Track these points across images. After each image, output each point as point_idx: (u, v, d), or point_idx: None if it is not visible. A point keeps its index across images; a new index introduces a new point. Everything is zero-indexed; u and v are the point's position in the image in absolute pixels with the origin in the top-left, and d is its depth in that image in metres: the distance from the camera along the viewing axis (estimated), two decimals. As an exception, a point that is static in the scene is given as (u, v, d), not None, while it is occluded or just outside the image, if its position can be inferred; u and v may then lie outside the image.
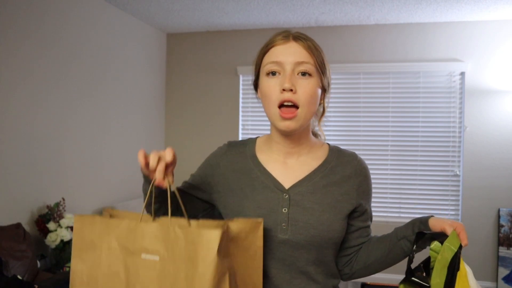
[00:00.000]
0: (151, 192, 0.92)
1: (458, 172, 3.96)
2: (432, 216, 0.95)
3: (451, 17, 3.78)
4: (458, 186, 3.96)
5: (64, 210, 2.88)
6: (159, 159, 0.84)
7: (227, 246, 0.82)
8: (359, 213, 1.02)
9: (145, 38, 4.16)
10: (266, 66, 0.94)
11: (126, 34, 3.82)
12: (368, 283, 3.86)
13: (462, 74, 3.91)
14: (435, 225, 0.92)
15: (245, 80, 4.31)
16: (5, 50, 2.56)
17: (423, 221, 0.95)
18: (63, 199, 2.90)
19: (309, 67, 0.92)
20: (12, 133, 2.63)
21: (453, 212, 3.98)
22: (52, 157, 2.95)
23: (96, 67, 3.40)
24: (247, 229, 0.86)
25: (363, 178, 1.01)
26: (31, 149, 2.77)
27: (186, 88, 4.52)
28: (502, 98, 3.81)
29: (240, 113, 4.36)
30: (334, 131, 4.17)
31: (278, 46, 0.94)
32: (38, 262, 2.56)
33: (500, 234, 3.79)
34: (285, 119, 0.92)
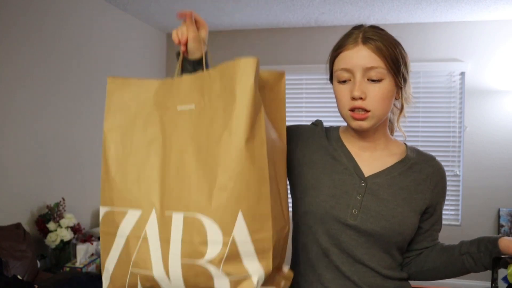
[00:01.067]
0: (182, 61, 0.94)
1: (458, 172, 3.96)
2: (502, 236, 0.92)
3: (451, 17, 3.78)
4: (458, 186, 3.96)
5: (64, 210, 2.88)
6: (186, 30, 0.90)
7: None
8: (429, 214, 1.01)
9: (145, 38, 4.16)
10: (337, 73, 0.94)
11: (126, 34, 3.82)
12: None
13: (462, 74, 3.91)
14: (508, 246, 0.87)
15: (245, 80, 4.30)
16: (6, 50, 2.56)
17: (492, 241, 0.92)
18: (63, 199, 2.90)
19: (379, 72, 0.91)
20: (12, 133, 2.63)
21: (453, 212, 3.98)
22: (52, 157, 2.95)
23: (96, 67, 3.40)
24: (272, 80, 0.85)
25: (440, 180, 1.01)
26: (31, 149, 2.77)
27: (186, 88, 4.51)
28: (502, 98, 3.81)
29: (240, 113, 4.36)
30: (334, 131, 4.17)
31: (348, 51, 0.92)
32: (38, 262, 2.56)
33: (500, 234, 3.79)
34: (357, 119, 0.93)
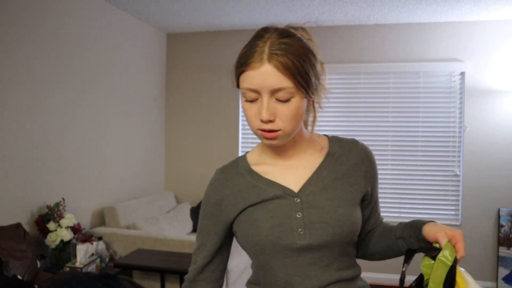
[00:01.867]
0: None
1: (458, 172, 3.96)
2: (431, 221, 0.91)
3: (451, 17, 3.78)
4: (458, 186, 3.96)
5: (64, 210, 2.88)
6: None
7: None
8: (367, 201, 1.01)
9: (145, 38, 4.16)
10: (243, 91, 0.89)
11: (126, 34, 3.82)
12: (369, 283, 3.86)
13: (462, 74, 3.91)
14: (429, 231, 0.86)
15: (245, 80, 4.30)
16: (5, 50, 2.56)
17: (419, 226, 0.91)
18: (63, 199, 2.90)
19: (287, 92, 0.85)
20: (12, 133, 2.63)
21: (453, 212, 3.98)
22: (52, 157, 2.95)
23: (96, 67, 3.40)
24: None
25: (369, 164, 0.99)
26: (31, 149, 2.77)
27: (186, 88, 4.52)
28: (502, 98, 3.81)
29: (240, 113, 4.36)
30: (334, 131, 4.17)
31: (253, 71, 0.85)
32: (38, 262, 2.56)
33: (500, 234, 3.79)
34: (267, 138, 0.89)
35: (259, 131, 0.89)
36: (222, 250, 1.02)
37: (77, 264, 2.75)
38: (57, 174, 2.99)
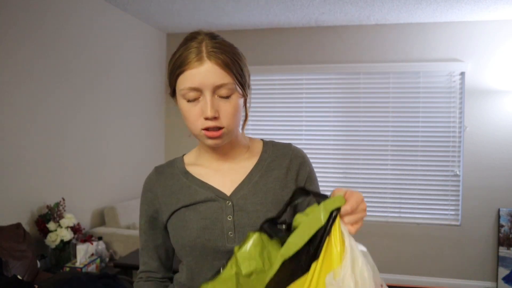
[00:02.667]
0: None
1: (458, 172, 3.96)
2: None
3: (451, 17, 3.78)
4: (458, 186, 3.96)
5: (64, 210, 2.88)
6: None
7: None
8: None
9: (145, 38, 4.16)
10: (183, 92, 0.89)
11: (126, 34, 3.82)
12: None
13: (462, 74, 3.91)
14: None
15: (245, 80, 4.31)
16: (5, 50, 2.56)
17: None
18: (63, 199, 2.90)
19: (229, 88, 0.87)
20: (12, 133, 2.63)
21: (453, 212, 3.98)
22: (52, 157, 2.95)
23: (96, 67, 3.40)
24: None
25: (300, 166, 0.99)
26: (31, 149, 2.77)
27: (186, 88, 4.51)
28: (502, 98, 3.81)
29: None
30: (334, 131, 4.17)
31: (194, 69, 0.86)
32: (38, 262, 2.56)
33: (500, 234, 3.79)
34: (211, 138, 0.90)
35: (203, 132, 0.89)
36: (166, 243, 1.04)
37: (77, 264, 2.75)
38: (57, 174, 2.99)
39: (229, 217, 0.93)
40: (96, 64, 3.40)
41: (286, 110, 4.30)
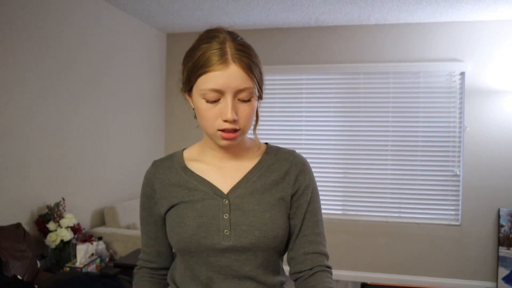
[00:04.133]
0: None
1: (458, 172, 3.96)
2: None
3: (451, 17, 3.78)
4: (458, 186, 3.96)
5: (64, 210, 2.88)
6: None
7: None
8: (294, 208, 0.98)
9: (145, 38, 4.16)
10: (204, 92, 0.88)
11: (126, 34, 3.82)
12: (369, 283, 3.86)
13: (462, 74, 3.91)
14: None
15: (245, 80, 4.30)
16: (5, 50, 2.56)
17: None
18: (63, 199, 2.90)
19: (250, 92, 0.88)
20: (12, 133, 2.63)
21: (453, 212, 3.98)
22: (52, 157, 2.95)
23: (96, 67, 3.40)
24: None
25: (299, 173, 0.99)
26: (31, 149, 2.77)
27: (186, 88, 4.51)
28: (502, 98, 3.81)
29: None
30: (334, 131, 4.17)
31: (218, 71, 0.86)
32: (38, 262, 2.56)
33: (500, 234, 3.79)
34: (227, 139, 0.91)
35: (219, 132, 0.90)
36: (165, 235, 1.04)
37: (77, 264, 2.75)
38: (57, 174, 2.99)
39: (226, 215, 0.93)
40: (96, 64, 3.40)
41: (286, 110, 4.30)
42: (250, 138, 1.03)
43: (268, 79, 4.33)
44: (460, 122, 3.93)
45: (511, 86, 3.78)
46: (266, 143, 1.05)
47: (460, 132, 3.94)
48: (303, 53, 4.22)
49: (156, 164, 1.04)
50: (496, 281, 3.77)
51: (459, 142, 3.94)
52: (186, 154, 1.04)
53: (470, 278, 3.85)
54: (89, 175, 3.34)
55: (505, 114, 3.82)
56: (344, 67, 4.10)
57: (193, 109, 0.96)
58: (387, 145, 4.08)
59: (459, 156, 3.95)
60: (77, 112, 3.20)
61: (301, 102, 4.26)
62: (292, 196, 0.98)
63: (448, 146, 3.98)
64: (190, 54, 0.91)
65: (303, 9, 3.62)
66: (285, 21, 4.00)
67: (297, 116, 4.27)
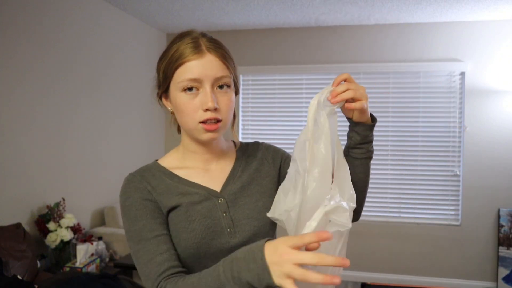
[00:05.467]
0: None
1: (458, 172, 3.96)
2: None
3: (451, 17, 3.78)
4: (458, 186, 3.96)
5: (64, 210, 2.88)
6: None
7: None
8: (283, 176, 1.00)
9: (145, 38, 4.16)
10: (182, 83, 0.88)
11: (126, 34, 3.82)
12: (369, 283, 3.85)
13: (462, 74, 3.91)
14: (346, 107, 1.02)
15: (245, 80, 4.31)
16: (5, 50, 2.56)
17: (350, 123, 1.10)
18: (63, 199, 2.90)
19: (227, 81, 0.91)
20: (12, 133, 2.63)
21: (453, 212, 3.98)
22: (52, 157, 2.95)
23: (96, 67, 3.40)
24: None
25: (272, 152, 1.06)
26: (31, 149, 2.77)
27: (186, 88, 4.51)
28: (502, 98, 3.81)
29: (240, 113, 4.36)
30: (334, 131, 4.17)
31: (194, 61, 0.88)
32: (38, 262, 2.56)
33: (500, 234, 3.79)
34: (209, 131, 0.90)
35: (200, 125, 0.90)
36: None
37: (77, 264, 2.75)
38: (57, 174, 2.99)
39: (225, 214, 0.94)
40: (96, 64, 3.40)
41: (286, 110, 4.30)
42: (224, 140, 1.05)
43: (268, 79, 4.33)
44: (460, 122, 3.93)
45: (511, 86, 3.78)
46: (233, 141, 1.08)
47: (460, 132, 3.94)
48: (303, 53, 4.22)
49: (134, 174, 0.96)
50: (496, 281, 3.77)
51: (459, 142, 3.94)
52: (165, 163, 0.99)
53: (470, 278, 3.85)
54: (89, 175, 3.34)
55: (505, 114, 3.82)
56: (344, 67, 4.10)
57: (171, 113, 0.97)
58: (387, 145, 4.08)
59: (459, 156, 3.96)
60: (77, 112, 3.20)
61: (301, 102, 4.26)
62: (279, 172, 1.03)
63: (448, 146, 3.98)
64: (163, 55, 0.94)
65: (303, 9, 3.62)
66: (285, 21, 4.00)
67: (297, 116, 4.27)
